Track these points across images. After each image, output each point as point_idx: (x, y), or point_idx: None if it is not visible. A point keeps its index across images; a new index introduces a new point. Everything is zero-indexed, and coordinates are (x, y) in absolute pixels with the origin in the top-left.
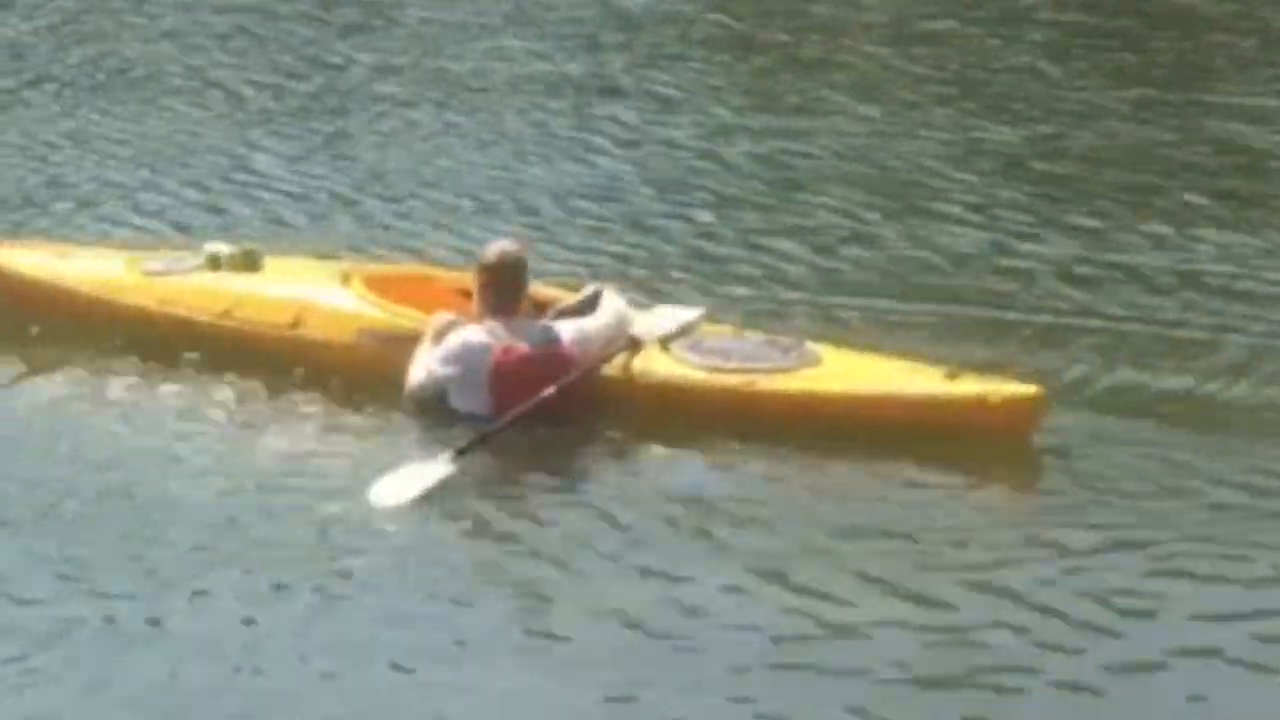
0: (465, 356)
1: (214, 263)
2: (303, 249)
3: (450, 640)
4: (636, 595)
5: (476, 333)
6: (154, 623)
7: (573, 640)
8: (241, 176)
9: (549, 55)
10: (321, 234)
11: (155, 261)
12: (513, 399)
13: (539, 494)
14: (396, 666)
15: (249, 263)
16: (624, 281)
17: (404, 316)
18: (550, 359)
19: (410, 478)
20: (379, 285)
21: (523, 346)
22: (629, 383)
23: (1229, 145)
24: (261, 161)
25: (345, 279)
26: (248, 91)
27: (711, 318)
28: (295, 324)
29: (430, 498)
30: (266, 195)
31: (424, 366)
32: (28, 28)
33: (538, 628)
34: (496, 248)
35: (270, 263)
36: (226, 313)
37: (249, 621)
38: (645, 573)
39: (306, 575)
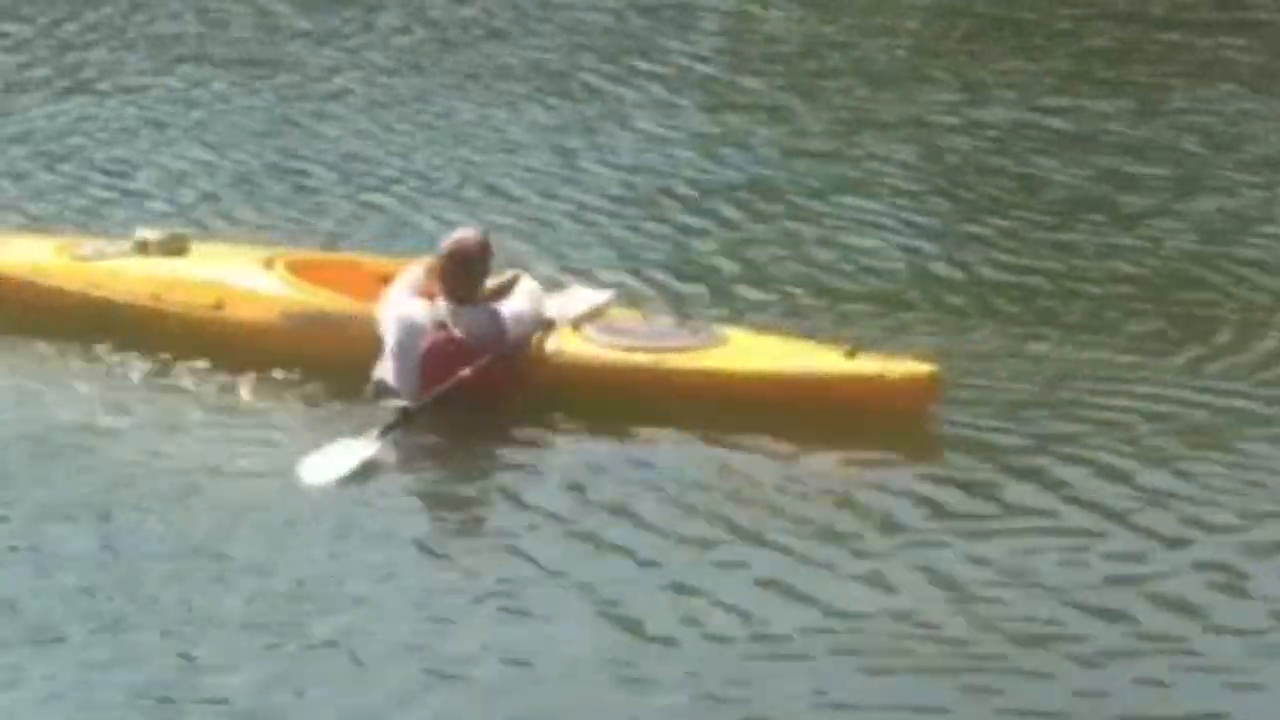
0: (402, 330)
1: (142, 248)
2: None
3: (375, 611)
4: (553, 567)
5: (421, 311)
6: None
7: (503, 612)
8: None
9: None
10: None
11: (86, 246)
12: (442, 380)
13: (460, 470)
14: (324, 635)
15: (176, 247)
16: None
17: (322, 297)
18: (487, 345)
19: (336, 456)
20: (302, 271)
21: (460, 331)
22: (542, 363)
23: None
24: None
25: (268, 264)
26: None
27: (622, 301)
28: (219, 306)
29: (355, 475)
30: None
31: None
32: None
33: (465, 601)
34: (458, 235)
35: (196, 248)
36: (155, 295)
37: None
38: (557, 546)
39: (233, 554)
